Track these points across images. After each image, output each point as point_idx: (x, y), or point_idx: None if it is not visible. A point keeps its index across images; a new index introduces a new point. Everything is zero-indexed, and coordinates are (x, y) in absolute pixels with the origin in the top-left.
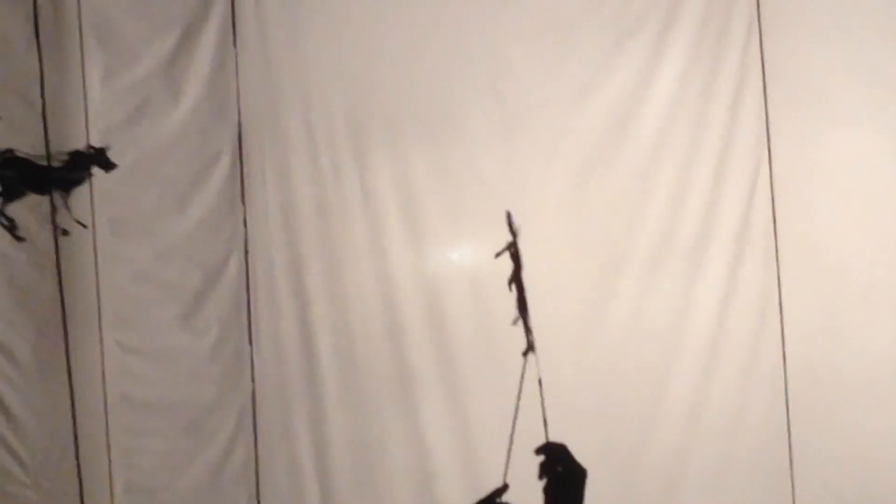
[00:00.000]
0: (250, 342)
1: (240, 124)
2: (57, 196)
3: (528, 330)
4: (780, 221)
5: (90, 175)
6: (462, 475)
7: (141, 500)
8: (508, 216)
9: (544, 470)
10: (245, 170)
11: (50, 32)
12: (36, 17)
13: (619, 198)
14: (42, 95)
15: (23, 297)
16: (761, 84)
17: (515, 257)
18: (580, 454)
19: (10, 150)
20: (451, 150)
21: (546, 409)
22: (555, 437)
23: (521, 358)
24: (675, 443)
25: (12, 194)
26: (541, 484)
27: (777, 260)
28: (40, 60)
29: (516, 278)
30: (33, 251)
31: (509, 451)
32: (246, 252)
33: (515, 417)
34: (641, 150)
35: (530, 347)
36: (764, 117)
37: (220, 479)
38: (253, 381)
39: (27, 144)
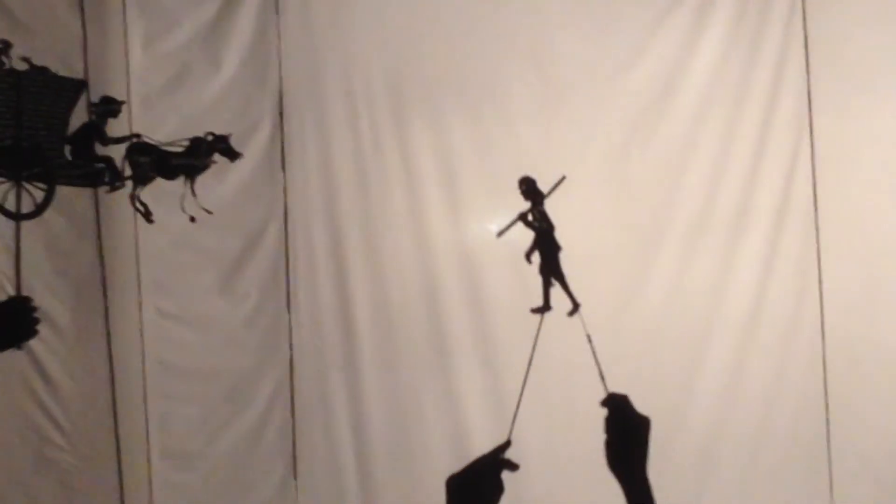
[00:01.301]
0: (288, 309)
1: (281, 92)
2: (184, 183)
3: (568, 291)
4: (820, 194)
5: (213, 162)
6: (497, 441)
7: (178, 466)
8: (523, 183)
9: (609, 424)
10: (285, 138)
11: None
12: None
13: (660, 170)
14: (84, 60)
15: (62, 261)
16: (804, 57)
17: (541, 223)
18: None
19: (137, 135)
20: (491, 122)
21: (596, 365)
22: (594, 404)
23: (558, 323)
24: (712, 412)
25: (143, 180)
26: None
27: (817, 232)
28: (83, 25)
29: (541, 244)
30: (73, 216)
31: (517, 408)
32: (285, 219)
33: (526, 376)
34: (682, 123)
35: (575, 307)
36: (806, 90)
37: (256, 445)
38: (291, 348)
39: None
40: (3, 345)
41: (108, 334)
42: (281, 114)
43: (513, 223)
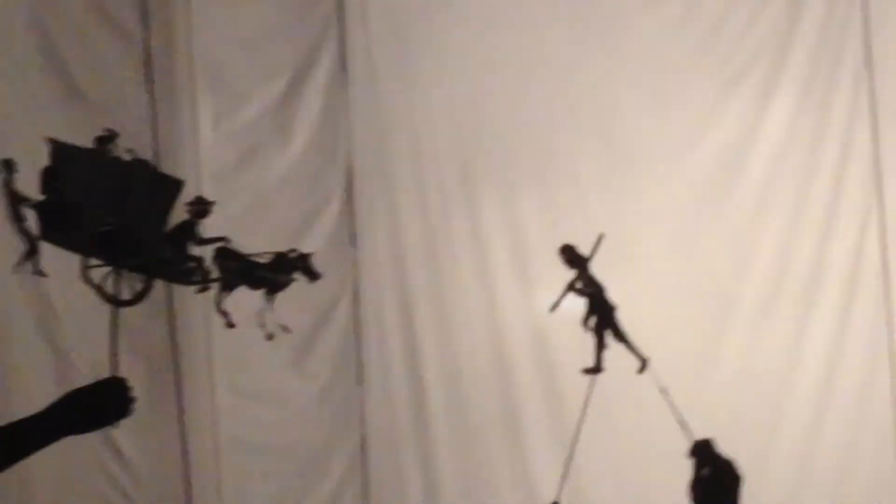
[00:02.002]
0: (360, 384)
1: (349, 167)
2: (264, 296)
3: (632, 349)
4: (891, 264)
5: (294, 280)
6: None
7: None
8: (564, 252)
9: (699, 467)
10: (355, 212)
11: (162, 76)
12: (148, 60)
13: (729, 241)
14: (154, 138)
15: (135, 338)
16: (871, 124)
17: (591, 287)
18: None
19: (223, 238)
20: (559, 193)
21: (673, 415)
22: (664, 479)
23: (626, 384)
24: (786, 480)
25: (229, 286)
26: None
27: (888, 303)
28: (152, 103)
29: (595, 307)
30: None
31: (567, 467)
32: (356, 295)
33: (576, 435)
34: (750, 194)
35: (643, 363)
36: (874, 160)
37: None
38: (363, 422)
39: None
40: (100, 424)
41: (181, 410)
42: (350, 189)
43: (563, 295)
